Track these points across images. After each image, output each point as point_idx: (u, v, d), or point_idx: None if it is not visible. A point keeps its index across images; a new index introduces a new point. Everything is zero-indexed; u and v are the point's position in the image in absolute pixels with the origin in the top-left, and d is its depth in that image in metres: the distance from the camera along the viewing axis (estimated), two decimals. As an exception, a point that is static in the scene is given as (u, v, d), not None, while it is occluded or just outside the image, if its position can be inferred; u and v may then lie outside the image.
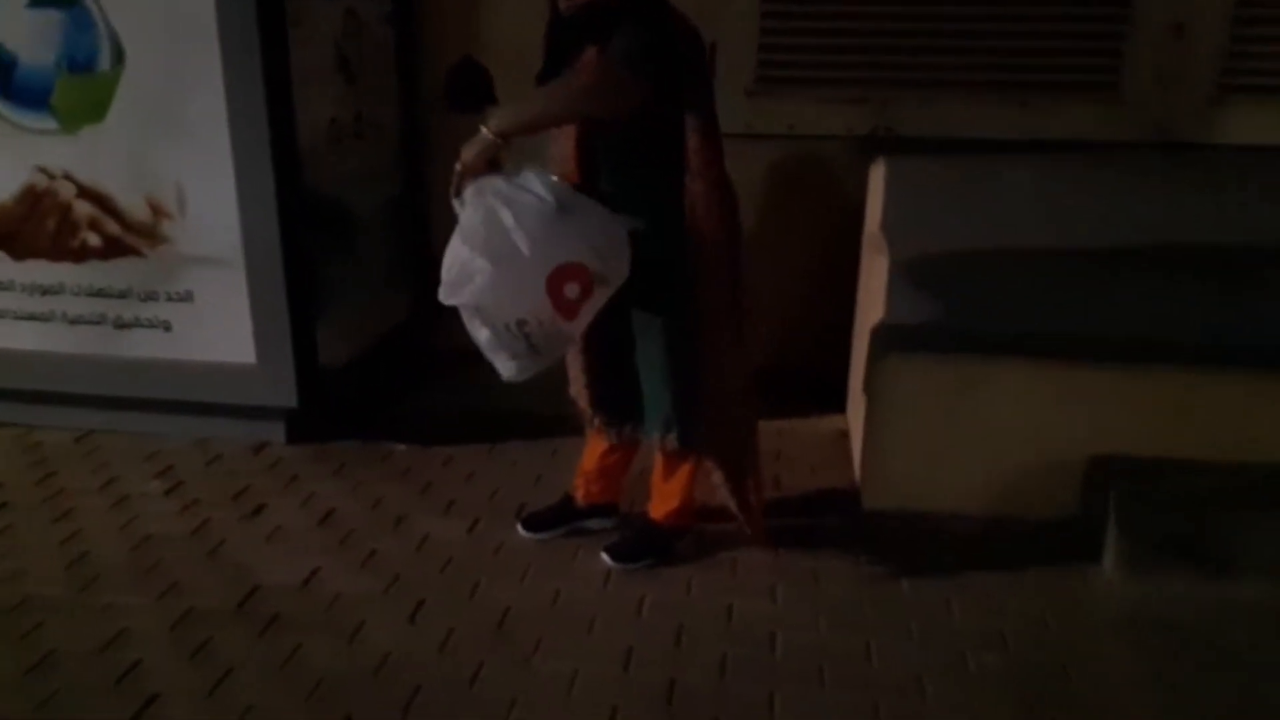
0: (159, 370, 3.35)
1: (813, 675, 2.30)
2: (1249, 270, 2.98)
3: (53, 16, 3.10)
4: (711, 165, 2.40)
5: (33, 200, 3.28)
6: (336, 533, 2.89)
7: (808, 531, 2.89)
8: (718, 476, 2.64)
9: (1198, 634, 2.46)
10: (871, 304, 3.19)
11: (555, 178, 2.34)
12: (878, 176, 3.42)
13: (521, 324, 2.22)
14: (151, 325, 3.33)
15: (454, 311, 2.29)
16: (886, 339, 2.96)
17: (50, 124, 3.20)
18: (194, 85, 3.05)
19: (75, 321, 3.37)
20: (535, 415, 3.42)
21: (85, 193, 3.25)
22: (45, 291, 3.37)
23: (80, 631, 2.44)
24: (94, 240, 3.29)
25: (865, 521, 2.95)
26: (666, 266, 2.42)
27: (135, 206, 3.23)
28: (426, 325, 4.08)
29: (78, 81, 3.14)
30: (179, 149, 3.14)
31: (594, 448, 2.81)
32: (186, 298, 3.29)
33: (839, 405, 3.68)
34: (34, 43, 3.13)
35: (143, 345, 3.35)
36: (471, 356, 2.43)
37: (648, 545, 2.75)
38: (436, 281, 2.30)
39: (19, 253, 3.35)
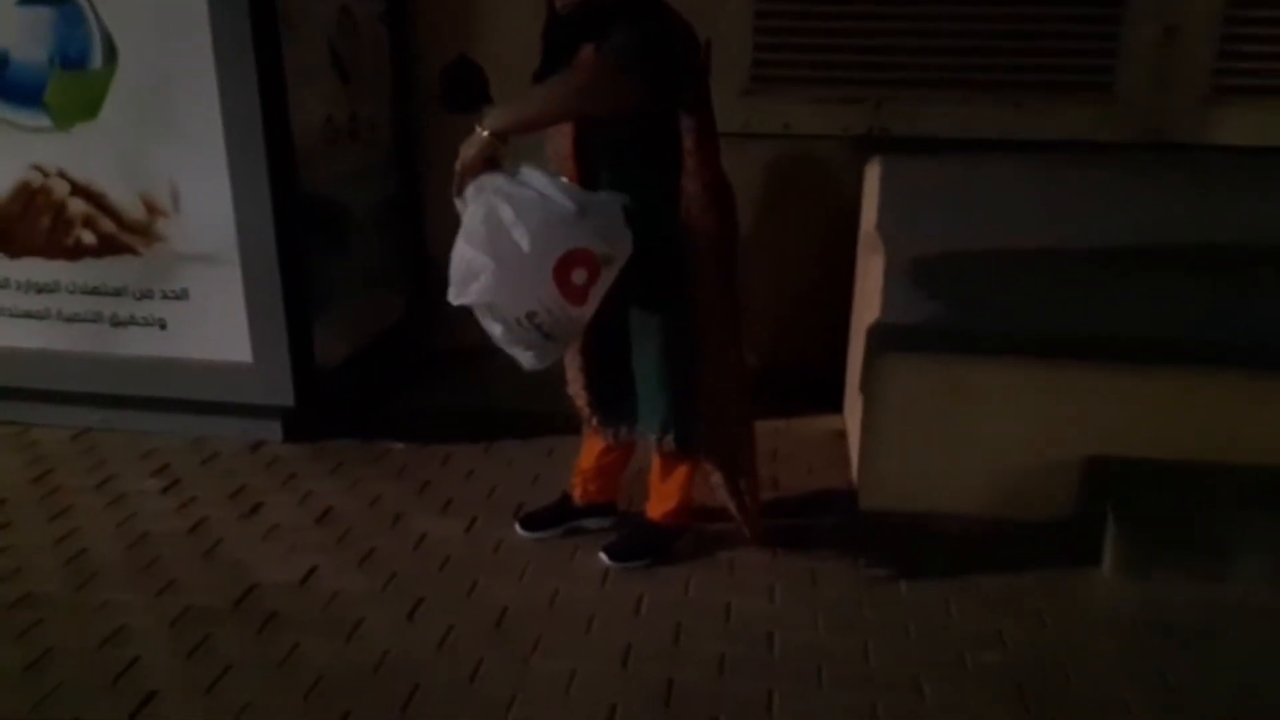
0: (155, 368, 3.34)
1: (811, 674, 2.30)
2: (1243, 270, 2.99)
3: (44, 13, 3.09)
4: (708, 164, 2.40)
5: (27, 198, 3.27)
6: (334, 531, 2.89)
7: (805, 531, 2.89)
8: (716, 477, 2.64)
9: (1195, 634, 2.47)
10: (867, 304, 3.20)
11: (552, 171, 2.35)
12: (873, 176, 3.43)
13: (531, 315, 2.24)
14: (147, 323, 3.33)
15: (450, 310, 2.29)
16: (883, 339, 2.97)
17: (44, 121, 3.19)
18: (187, 82, 3.04)
19: (71, 320, 3.36)
20: (533, 414, 3.43)
21: (79, 190, 3.24)
22: (40, 289, 3.36)
23: (78, 629, 2.43)
24: (89, 238, 3.28)
25: (862, 521, 2.96)
26: (663, 266, 2.42)
27: (130, 204, 3.22)
28: (423, 323, 4.09)
29: (71, 78, 3.13)
30: (173, 146, 3.13)
31: (591, 447, 2.81)
32: (182, 296, 3.28)
33: (835, 405, 3.69)
34: (26, 40, 3.12)
35: (138, 343, 3.34)
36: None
37: (645, 545, 2.75)
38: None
39: (14, 251, 3.34)
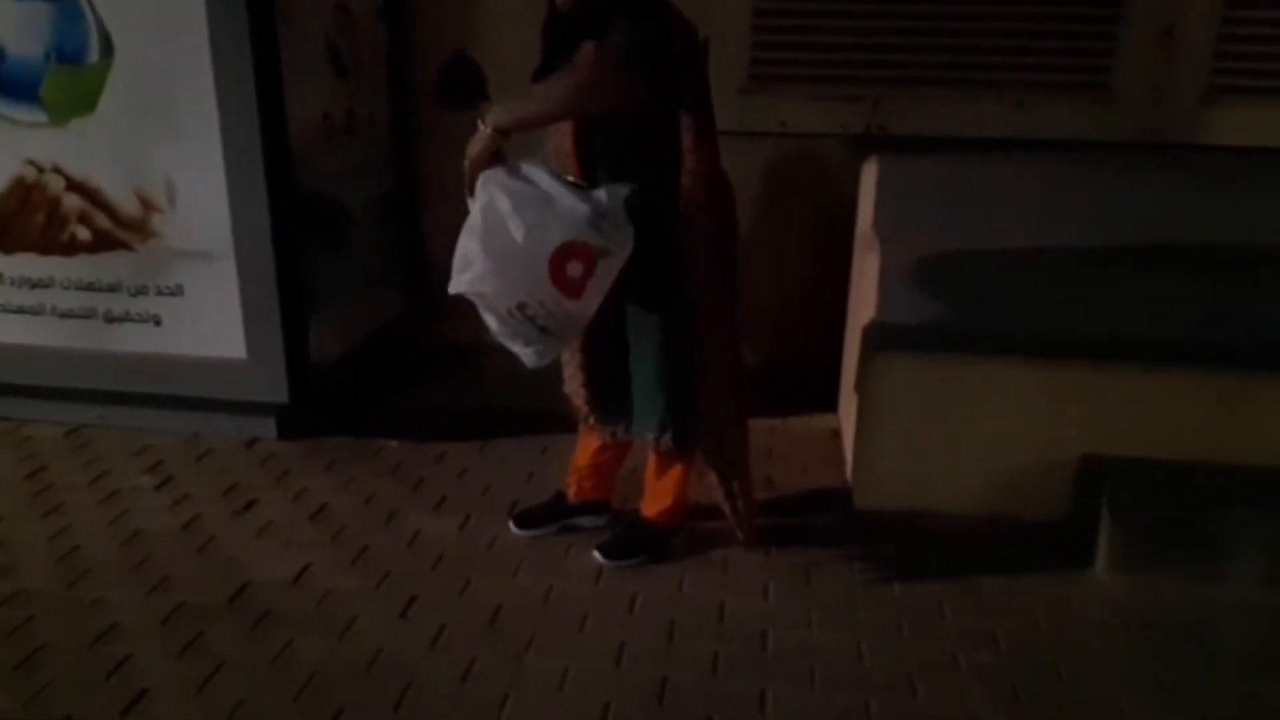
0: (149, 365, 3.34)
1: (804, 673, 2.30)
2: (1239, 270, 2.99)
3: (41, 8, 3.08)
4: (707, 162, 2.40)
5: (22, 193, 3.27)
6: (328, 529, 2.89)
7: (799, 530, 2.89)
8: (712, 477, 2.64)
9: (1190, 633, 2.47)
10: (863, 302, 3.20)
11: (554, 168, 2.36)
12: (870, 175, 3.43)
13: (522, 307, 2.23)
14: (142, 320, 3.32)
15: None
16: (878, 337, 2.97)
17: (39, 116, 3.18)
18: (184, 78, 3.03)
19: (65, 315, 3.36)
20: (527, 412, 3.43)
21: (75, 186, 3.23)
22: (35, 285, 3.35)
23: (70, 626, 2.43)
24: (83, 234, 3.27)
25: (857, 520, 2.96)
26: (662, 264, 2.42)
27: (125, 200, 3.21)
28: (418, 321, 4.08)
29: (67, 73, 3.12)
30: (169, 142, 3.13)
31: (587, 445, 2.81)
32: (177, 292, 3.28)
33: (831, 404, 3.69)
34: (22, 34, 3.11)
35: (133, 340, 3.34)
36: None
37: (640, 543, 2.75)
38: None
39: (8, 246, 3.33)
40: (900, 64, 3.66)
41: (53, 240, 3.29)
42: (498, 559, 2.75)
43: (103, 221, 3.25)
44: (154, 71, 3.07)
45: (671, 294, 2.46)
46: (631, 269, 2.35)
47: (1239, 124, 3.56)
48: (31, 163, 3.23)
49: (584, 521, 2.87)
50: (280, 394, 3.30)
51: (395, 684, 2.24)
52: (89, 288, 3.32)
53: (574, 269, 2.23)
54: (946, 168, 3.33)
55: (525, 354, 2.35)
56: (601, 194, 2.28)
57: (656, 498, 2.74)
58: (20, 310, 3.38)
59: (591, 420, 2.71)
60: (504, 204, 2.20)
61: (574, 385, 2.70)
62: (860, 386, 2.99)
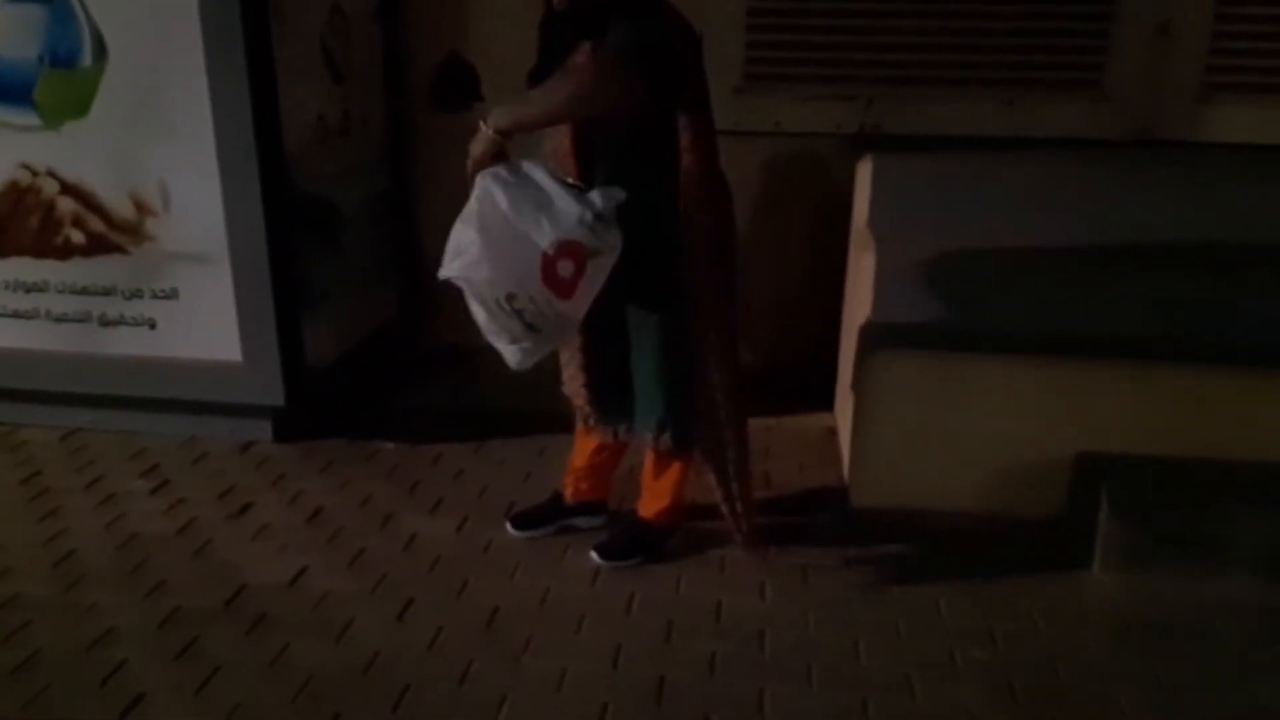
0: (144, 368, 3.33)
1: (802, 672, 2.30)
2: (1234, 267, 2.99)
3: (34, 11, 3.07)
4: (706, 162, 2.40)
5: (15, 197, 3.26)
6: (324, 531, 2.88)
7: (796, 529, 2.89)
8: (710, 478, 2.64)
9: (1187, 631, 2.48)
10: (859, 301, 3.20)
11: (551, 167, 2.37)
12: (865, 174, 3.43)
13: (511, 298, 2.23)
14: (136, 323, 3.32)
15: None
16: (874, 336, 2.97)
17: (33, 119, 3.17)
18: (178, 81, 3.03)
19: (60, 319, 3.35)
20: (524, 413, 3.43)
21: (69, 189, 3.23)
22: (29, 289, 3.34)
23: (66, 630, 2.42)
24: (78, 237, 3.27)
25: (854, 519, 2.96)
26: (662, 264, 2.42)
27: (119, 203, 3.21)
28: (414, 322, 4.08)
29: (60, 76, 3.12)
30: (163, 145, 3.12)
31: (584, 445, 2.81)
32: (171, 295, 3.27)
33: (827, 403, 3.69)
34: (15, 37, 3.10)
35: (128, 343, 3.33)
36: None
37: (637, 543, 2.74)
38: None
39: (2, 250, 3.32)
40: (895, 63, 3.67)
41: (47, 244, 3.29)
42: (495, 560, 2.74)
43: (97, 225, 3.25)
44: (148, 74, 3.06)
45: (671, 294, 2.46)
46: (632, 269, 2.35)
47: (1233, 121, 3.56)
48: (25, 166, 3.23)
49: (581, 522, 2.87)
50: (276, 397, 3.30)
51: (393, 686, 2.24)
52: (83, 291, 3.31)
53: (565, 268, 2.23)
54: (942, 166, 3.33)
55: (510, 352, 2.34)
56: (596, 196, 2.28)
57: (654, 498, 2.74)
58: (15, 314, 3.37)
59: (591, 420, 2.70)
60: (501, 198, 2.21)
61: (574, 386, 2.69)
62: (856, 385, 2.99)
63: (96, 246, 3.26)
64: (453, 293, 2.30)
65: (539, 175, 2.29)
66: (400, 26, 3.90)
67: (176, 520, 2.93)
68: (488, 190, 2.24)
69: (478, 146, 2.31)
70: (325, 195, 3.48)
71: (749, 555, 2.69)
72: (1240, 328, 2.88)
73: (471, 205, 2.24)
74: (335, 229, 3.58)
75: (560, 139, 2.42)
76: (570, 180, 2.35)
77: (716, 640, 2.41)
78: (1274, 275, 2.96)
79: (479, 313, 2.29)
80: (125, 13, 3.04)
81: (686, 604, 2.55)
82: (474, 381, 3.71)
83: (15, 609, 2.51)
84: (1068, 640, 2.43)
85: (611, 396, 2.63)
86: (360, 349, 3.77)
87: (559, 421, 2.91)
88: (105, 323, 3.33)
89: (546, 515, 2.88)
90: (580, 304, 2.31)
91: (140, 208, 3.20)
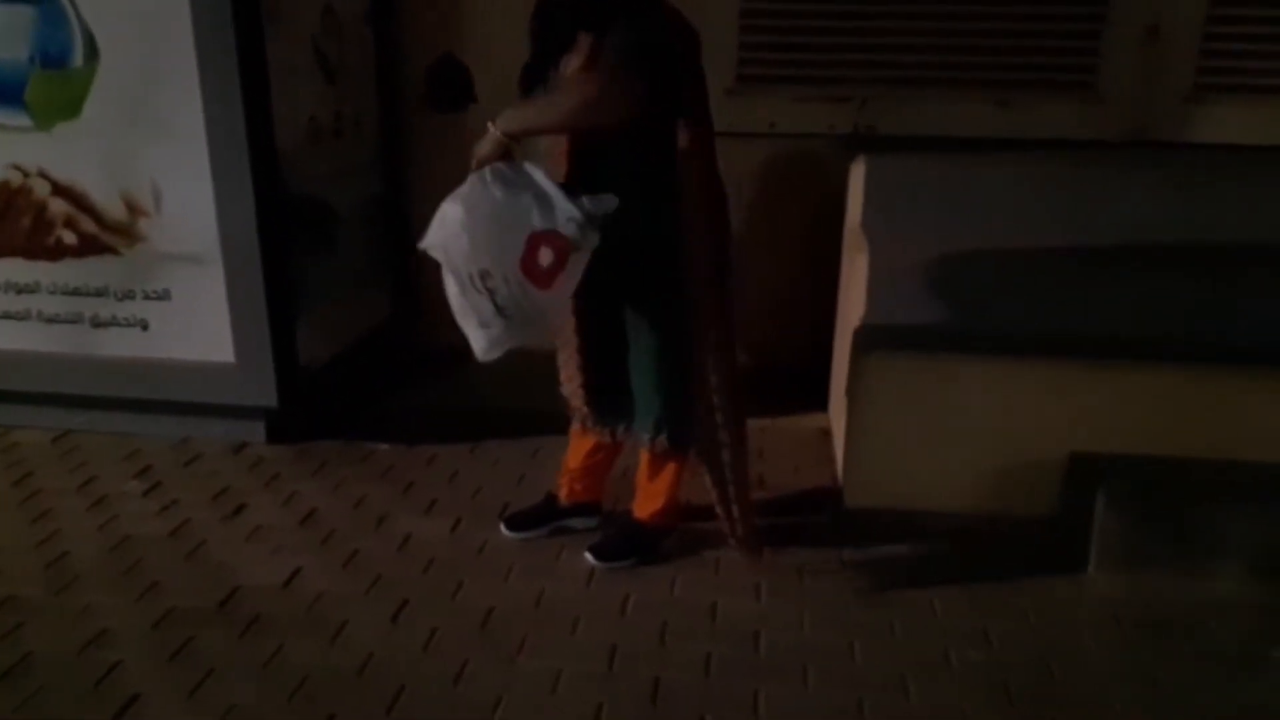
0: (137, 369, 3.32)
1: (797, 673, 2.30)
2: (1227, 267, 3.00)
3: (24, 12, 3.06)
4: (705, 163, 2.41)
5: (7, 198, 3.25)
6: (318, 532, 2.88)
7: (791, 530, 2.89)
8: (707, 479, 2.63)
9: (1182, 631, 2.48)
10: (853, 302, 3.20)
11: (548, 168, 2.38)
12: (858, 174, 3.43)
13: (485, 275, 2.22)
14: (129, 324, 3.31)
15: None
16: (868, 337, 2.97)
17: (24, 120, 3.16)
18: (170, 81, 3.02)
19: (51, 320, 3.34)
20: (518, 414, 3.43)
21: (60, 190, 3.22)
22: (21, 290, 3.33)
23: (60, 632, 2.42)
24: (70, 238, 3.26)
25: (848, 520, 2.95)
26: (661, 266, 2.42)
27: (111, 204, 3.20)
28: (408, 324, 4.07)
29: (51, 77, 3.11)
30: (155, 146, 3.12)
31: (578, 446, 2.80)
32: (164, 296, 3.26)
33: (821, 403, 3.69)
34: (6, 38, 3.09)
35: (120, 344, 3.32)
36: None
37: (631, 544, 2.74)
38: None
39: (-6, 251, 3.31)
40: (888, 64, 3.67)
41: (38, 245, 3.27)
42: (489, 562, 2.74)
43: (89, 226, 3.24)
44: (139, 75, 3.06)
45: (670, 296, 2.45)
46: (631, 270, 2.36)
47: (1225, 122, 3.58)
48: (16, 167, 3.21)
49: (575, 523, 2.87)
50: (269, 398, 3.29)
51: (387, 688, 2.23)
52: (75, 292, 3.30)
53: (545, 256, 2.23)
54: (935, 167, 3.33)
55: (476, 336, 2.32)
56: (588, 200, 2.29)
57: (648, 499, 2.74)
58: (6, 316, 3.36)
59: (588, 421, 2.70)
60: (496, 186, 2.24)
61: (572, 386, 2.69)
62: (850, 385, 2.99)
63: (88, 247, 3.25)
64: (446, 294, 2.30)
65: (538, 175, 2.30)
66: (393, 27, 3.89)
67: (170, 522, 2.92)
68: (483, 177, 2.26)
69: (484, 147, 2.32)
70: (318, 196, 3.47)
71: (744, 558, 2.69)
72: (1234, 327, 2.89)
73: (464, 186, 2.27)
74: (329, 230, 3.57)
75: (558, 138, 2.42)
76: (563, 184, 2.35)
77: (711, 641, 2.41)
78: (1266, 275, 2.97)
79: (452, 288, 2.29)
80: (117, 13, 3.03)
81: (681, 605, 2.55)
82: (468, 382, 3.70)
83: (8, 611, 2.50)
84: (1063, 640, 2.44)
85: (608, 397, 2.62)
86: (354, 350, 3.76)
87: (553, 423, 2.91)
88: (97, 324, 3.32)
89: (541, 516, 2.87)
90: (556, 297, 2.31)
91: (132, 208, 3.19)
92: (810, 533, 2.89)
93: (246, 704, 2.18)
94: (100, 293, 3.29)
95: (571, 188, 2.31)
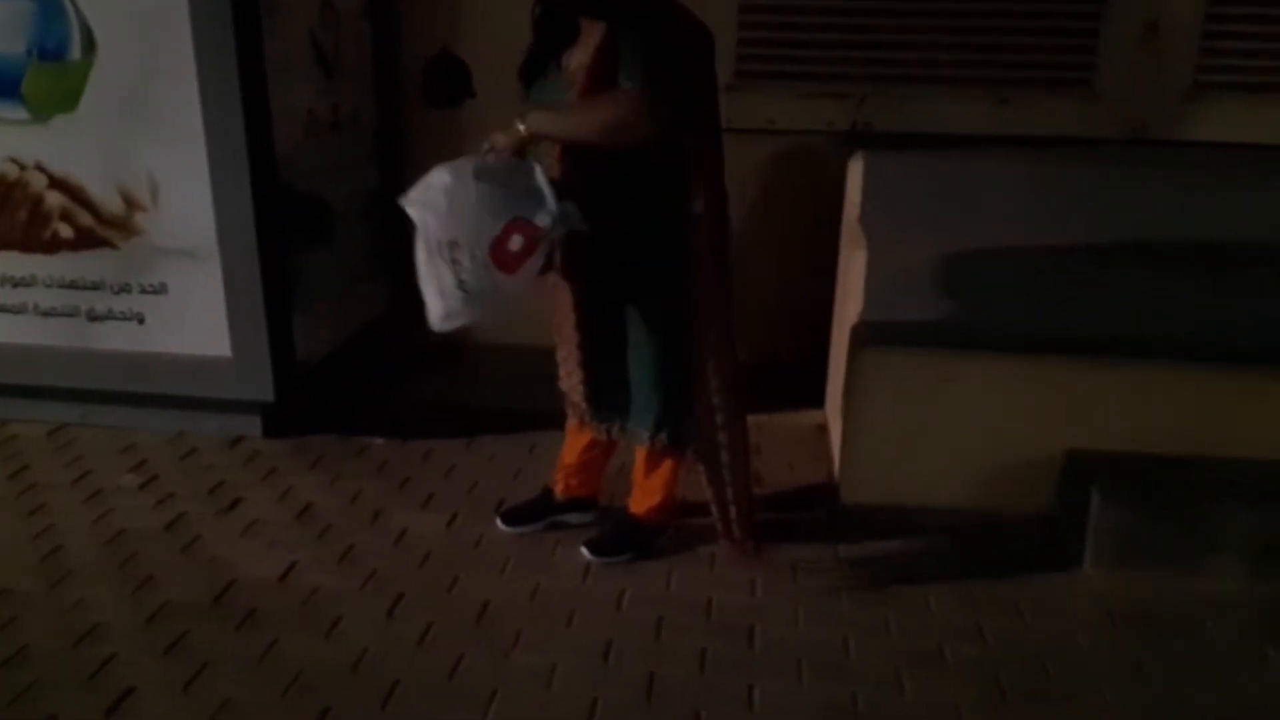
0: (133, 363, 3.32)
1: (792, 668, 2.30)
2: (1225, 266, 3.00)
3: (22, 4, 3.05)
4: (714, 167, 2.40)
5: (3, 191, 3.24)
6: (314, 527, 2.88)
7: (787, 526, 2.89)
8: (705, 478, 2.62)
9: (1176, 628, 2.48)
10: (850, 298, 3.20)
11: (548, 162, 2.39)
12: (856, 171, 3.43)
13: (453, 245, 2.23)
14: (125, 318, 3.30)
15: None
16: (865, 334, 2.97)
17: (21, 113, 3.15)
18: (167, 75, 3.02)
19: (47, 314, 3.33)
20: (514, 409, 3.43)
21: (57, 183, 3.21)
22: (16, 283, 3.32)
23: (54, 626, 2.41)
24: (66, 232, 3.25)
25: (844, 515, 2.96)
26: (665, 265, 2.41)
27: (108, 197, 3.19)
28: (405, 319, 4.05)
29: (49, 70, 3.10)
30: (152, 139, 3.11)
31: (574, 442, 2.80)
32: (160, 290, 3.26)
33: (818, 400, 3.69)
34: (3, 30, 3.08)
35: (116, 338, 3.32)
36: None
37: (628, 540, 2.74)
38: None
39: (-10, 244, 3.31)
40: (886, 61, 3.67)
41: (35, 238, 3.27)
42: (485, 556, 2.74)
43: (85, 219, 3.23)
44: (137, 68, 3.05)
45: (674, 295, 2.45)
46: (635, 269, 2.37)
47: (1223, 120, 3.58)
48: (13, 160, 3.21)
49: (571, 518, 2.86)
50: (265, 392, 3.29)
51: (382, 682, 2.23)
52: (72, 286, 3.30)
53: (515, 242, 2.24)
54: (933, 164, 3.33)
55: (434, 305, 2.32)
56: (570, 206, 2.30)
57: (645, 495, 2.74)
58: (2, 309, 3.35)
59: (585, 417, 2.69)
60: (494, 170, 2.26)
61: (571, 382, 2.68)
62: (847, 382, 2.99)
63: (85, 241, 3.25)
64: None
65: (537, 172, 2.30)
66: (391, 22, 3.89)
67: (165, 515, 2.92)
68: (486, 160, 2.29)
69: (503, 139, 2.33)
70: (315, 191, 3.47)
71: (736, 556, 2.68)
72: (1230, 326, 2.89)
73: (462, 160, 2.28)
74: (325, 224, 3.57)
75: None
76: (556, 180, 2.35)
77: (707, 636, 2.41)
78: (1263, 274, 2.97)
79: (420, 253, 2.29)
80: (114, 6, 3.02)
81: (677, 600, 2.55)
82: (465, 377, 3.71)
83: (3, 604, 2.49)
84: (1057, 637, 2.44)
85: (607, 394, 2.62)
86: (350, 344, 3.76)
87: (550, 418, 2.91)
88: (93, 317, 3.32)
89: (537, 511, 2.87)
90: (516, 283, 2.30)
91: (129, 202, 3.19)
92: (806, 528, 2.89)
93: (241, 698, 2.18)
94: (96, 286, 3.29)
95: (561, 186, 2.31)
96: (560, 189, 2.31)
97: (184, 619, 2.45)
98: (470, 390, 3.71)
